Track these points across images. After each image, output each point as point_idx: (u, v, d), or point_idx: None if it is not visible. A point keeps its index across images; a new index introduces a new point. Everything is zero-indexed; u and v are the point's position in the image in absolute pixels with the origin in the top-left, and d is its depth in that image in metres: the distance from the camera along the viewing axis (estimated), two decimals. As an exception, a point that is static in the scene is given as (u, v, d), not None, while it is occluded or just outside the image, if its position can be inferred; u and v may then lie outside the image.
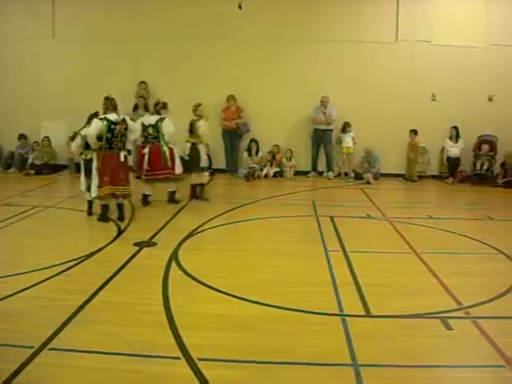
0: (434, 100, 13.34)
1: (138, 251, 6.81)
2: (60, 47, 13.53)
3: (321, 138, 13.19)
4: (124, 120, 8.36)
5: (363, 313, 5.03)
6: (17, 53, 13.71)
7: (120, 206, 8.42)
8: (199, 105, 9.85)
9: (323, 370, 4.01)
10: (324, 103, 13.03)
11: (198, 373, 3.87)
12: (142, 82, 13.51)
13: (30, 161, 13.40)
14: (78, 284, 5.62)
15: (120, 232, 7.77)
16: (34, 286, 5.53)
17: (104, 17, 13.29)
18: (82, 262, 6.33)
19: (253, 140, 13.33)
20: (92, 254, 6.63)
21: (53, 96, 13.49)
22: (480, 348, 4.36)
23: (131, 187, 8.62)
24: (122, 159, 8.30)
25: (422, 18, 13.01)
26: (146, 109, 13.19)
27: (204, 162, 10.02)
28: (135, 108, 13.20)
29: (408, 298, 5.45)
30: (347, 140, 13.23)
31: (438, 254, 6.99)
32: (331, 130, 13.27)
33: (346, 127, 13.20)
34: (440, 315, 4.96)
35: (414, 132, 13.22)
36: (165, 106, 9.60)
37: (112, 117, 8.15)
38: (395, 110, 12.99)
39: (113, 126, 8.13)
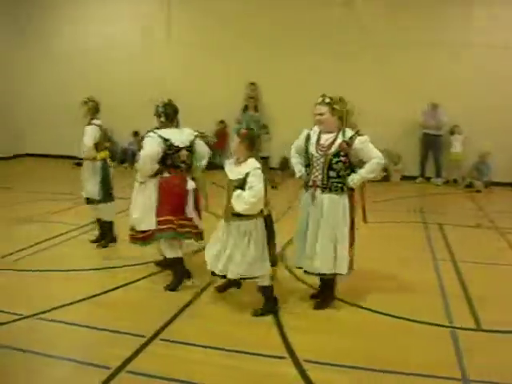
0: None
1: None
2: (174, 49, 14.00)
3: (430, 143, 12.82)
4: None
5: (474, 326, 4.87)
6: (128, 53, 14.29)
7: None
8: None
9: (430, 382, 3.91)
10: (434, 107, 12.66)
11: (303, 374, 3.90)
12: (252, 84, 13.73)
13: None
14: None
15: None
16: (147, 276, 5.79)
17: (214, 20, 13.60)
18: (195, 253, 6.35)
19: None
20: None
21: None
22: None
23: None
24: None
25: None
26: (256, 110, 13.39)
27: None
28: (245, 109, 13.45)
29: (522, 312, 5.22)
30: (455, 145, 12.73)
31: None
32: (441, 135, 12.85)
33: (454, 130, 12.69)
34: (558, 332, 4.71)
35: None
36: None
37: None
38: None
39: None
